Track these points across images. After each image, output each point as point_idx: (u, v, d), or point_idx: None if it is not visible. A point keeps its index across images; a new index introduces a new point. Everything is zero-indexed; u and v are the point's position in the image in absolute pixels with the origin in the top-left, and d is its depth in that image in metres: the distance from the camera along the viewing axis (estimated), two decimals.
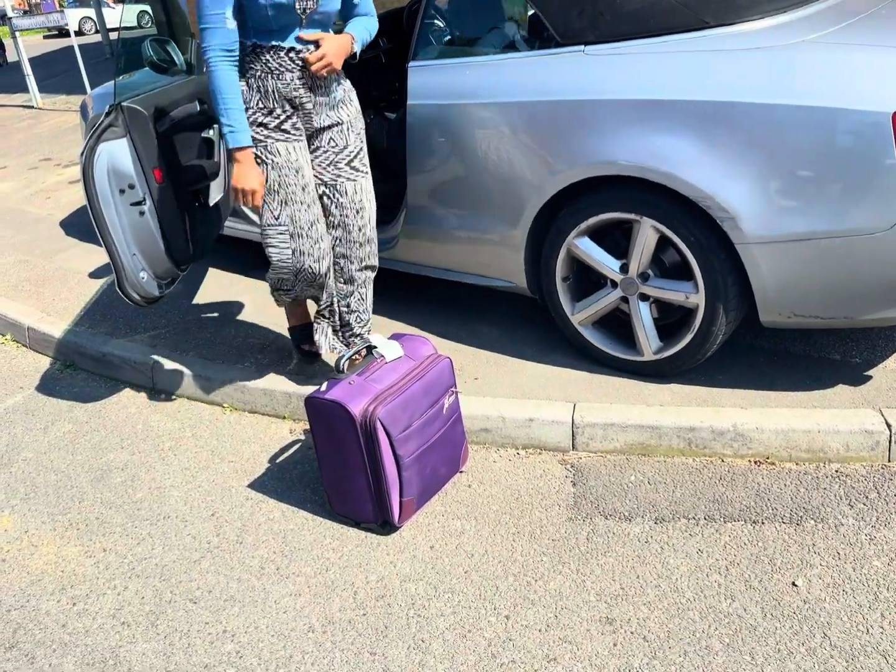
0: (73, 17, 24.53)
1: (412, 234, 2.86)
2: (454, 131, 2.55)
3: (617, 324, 2.59)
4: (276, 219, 2.26)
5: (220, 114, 2.12)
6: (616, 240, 2.45)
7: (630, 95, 2.17)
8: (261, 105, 2.22)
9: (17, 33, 8.97)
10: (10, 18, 8.92)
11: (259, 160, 2.23)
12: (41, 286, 3.86)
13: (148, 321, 3.34)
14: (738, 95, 2.01)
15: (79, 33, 24.41)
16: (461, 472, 2.27)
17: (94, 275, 3.93)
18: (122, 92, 2.50)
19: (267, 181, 2.23)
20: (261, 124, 2.23)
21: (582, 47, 2.30)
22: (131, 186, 2.37)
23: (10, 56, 16.96)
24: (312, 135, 2.34)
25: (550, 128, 2.33)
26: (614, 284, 2.45)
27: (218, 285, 3.61)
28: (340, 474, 2.05)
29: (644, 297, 2.41)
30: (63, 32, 23.12)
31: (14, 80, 12.64)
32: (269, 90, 2.20)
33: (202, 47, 2.10)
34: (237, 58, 2.14)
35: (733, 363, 2.53)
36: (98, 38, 17.66)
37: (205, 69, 2.14)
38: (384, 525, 2.08)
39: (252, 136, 2.19)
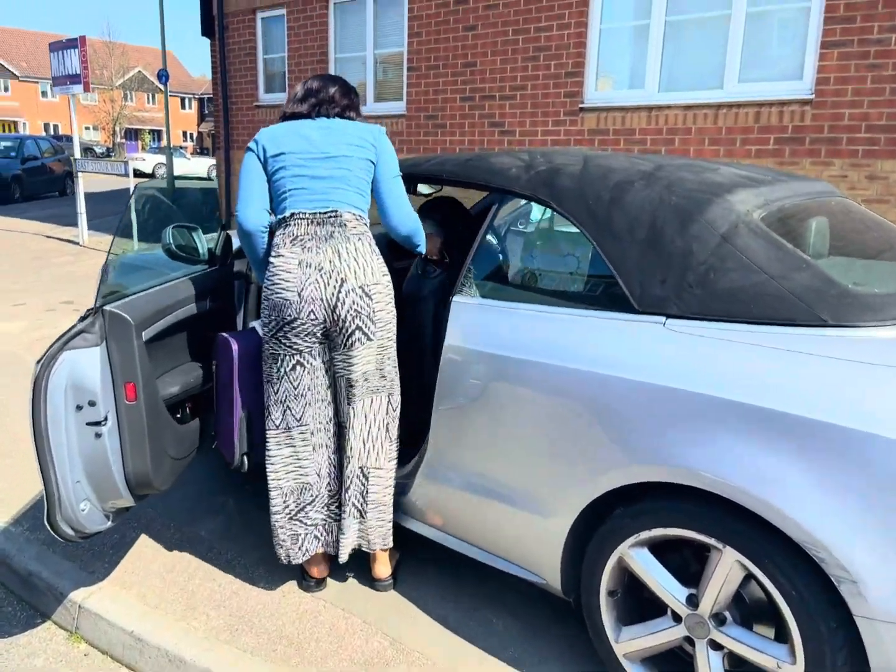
0: (150, 162, 26.46)
1: (426, 488, 2.35)
2: (494, 385, 2.11)
3: (675, 662, 1.97)
4: None
5: None
6: (685, 558, 1.91)
7: (723, 393, 1.72)
8: None
9: (79, 172, 9.28)
10: (76, 159, 9.23)
11: None
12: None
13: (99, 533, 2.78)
14: (872, 425, 1.54)
15: (152, 176, 26.09)
16: None
17: None
18: (117, 283, 2.14)
19: None
20: None
21: (662, 319, 1.90)
22: (91, 403, 1.92)
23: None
24: None
25: (615, 409, 1.87)
26: (678, 618, 1.87)
27: (197, 499, 3.08)
28: None
29: (716, 646, 1.82)
30: (135, 172, 24.79)
31: (69, 212, 13.08)
32: None
33: None
34: None
35: None
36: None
37: None
38: None
39: None
